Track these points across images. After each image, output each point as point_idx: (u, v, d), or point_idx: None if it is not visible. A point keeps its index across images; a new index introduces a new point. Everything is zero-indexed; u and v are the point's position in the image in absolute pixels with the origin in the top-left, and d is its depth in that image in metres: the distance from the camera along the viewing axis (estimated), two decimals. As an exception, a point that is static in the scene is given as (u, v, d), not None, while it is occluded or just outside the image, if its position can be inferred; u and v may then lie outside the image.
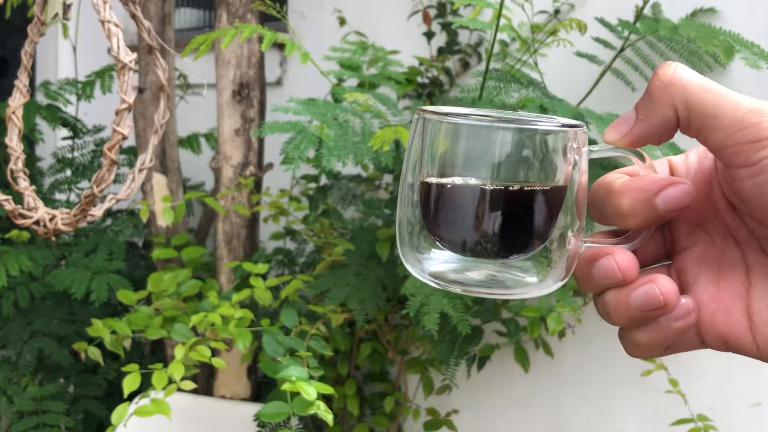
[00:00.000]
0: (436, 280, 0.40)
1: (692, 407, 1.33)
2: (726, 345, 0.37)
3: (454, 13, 1.72)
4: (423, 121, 0.39)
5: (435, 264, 0.40)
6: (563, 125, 0.38)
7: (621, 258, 0.37)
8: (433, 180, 0.39)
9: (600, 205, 0.38)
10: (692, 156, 0.39)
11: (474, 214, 0.37)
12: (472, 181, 0.38)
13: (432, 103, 1.63)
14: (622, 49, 1.38)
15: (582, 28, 1.29)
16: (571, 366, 1.65)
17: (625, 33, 1.36)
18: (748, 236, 0.37)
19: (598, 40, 1.41)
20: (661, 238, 0.40)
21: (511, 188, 0.37)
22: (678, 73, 0.36)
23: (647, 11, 1.42)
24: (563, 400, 1.68)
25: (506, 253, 0.39)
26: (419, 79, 1.69)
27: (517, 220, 0.38)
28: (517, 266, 0.40)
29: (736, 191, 0.36)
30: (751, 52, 1.20)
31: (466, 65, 1.76)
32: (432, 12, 1.75)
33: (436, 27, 1.77)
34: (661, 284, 0.36)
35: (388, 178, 1.74)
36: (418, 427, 1.67)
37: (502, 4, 1.23)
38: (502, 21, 1.28)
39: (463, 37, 1.76)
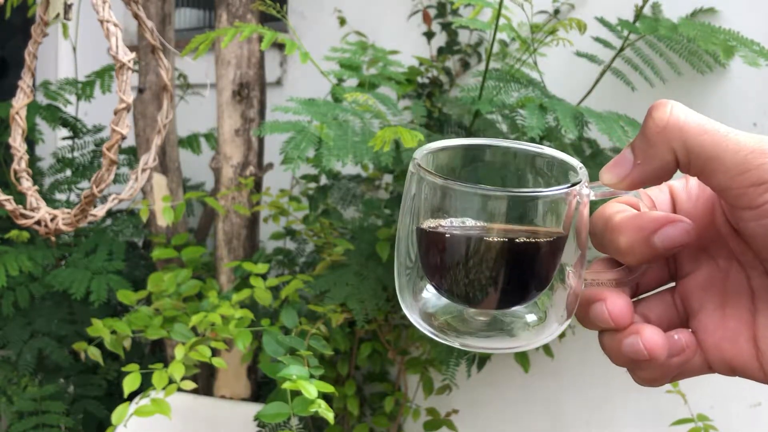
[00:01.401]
0: (437, 333, 0.38)
1: (692, 407, 1.33)
2: (733, 371, 0.37)
3: (454, 13, 1.72)
4: (418, 176, 0.37)
5: (434, 308, 0.39)
6: (568, 186, 0.37)
7: (613, 305, 0.36)
8: (431, 227, 0.37)
9: (599, 236, 0.38)
10: (693, 181, 0.39)
11: (472, 265, 0.36)
12: (470, 222, 0.36)
13: (432, 103, 1.63)
14: (622, 49, 1.38)
15: (582, 27, 1.29)
16: (571, 366, 1.65)
17: (625, 32, 1.36)
18: (753, 260, 0.36)
19: (597, 39, 1.41)
20: (665, 261, 0.39)
21: (511, 241, 0.36)
22: (674, 114, 0.35)
23: (647, 11, 1.42)
24: (563, 400, 1.68)
25: (505, 304, 0.38)
26: (419, 79, 1.69)
27: (517, 272, 0.37)
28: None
29: (740, 228, 0.35)
30: (750, 51, 1.20)
31: (466, 65, 1.76)
32: (432, 12, 1.76)
33: (436, 27, 1.77)
34: (645, 338, 0.35)
35: (388, 178, 1.74)
36: (418, 427, 1.67)
37: (501, 4, 1.24)
38: (502, 21, 1.28)
39: (463, 37, 1.76)
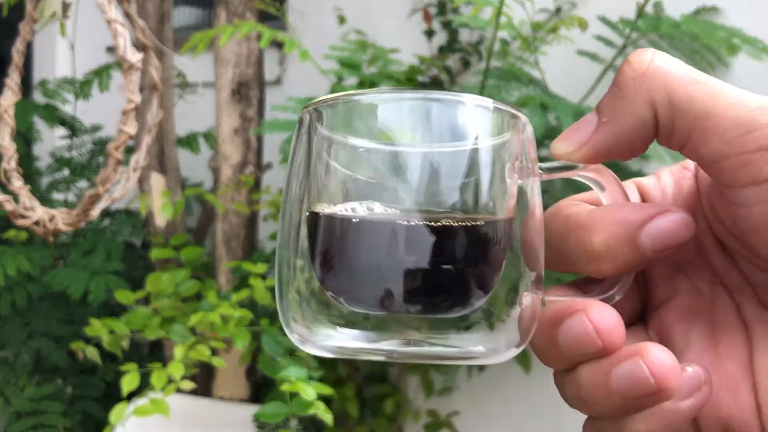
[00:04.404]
0: (340, 350, 0.29)
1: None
2: None
3: (455, 11, 1.72)
4: (308, 131, 0.29)
5: (332, 335, 0.29)
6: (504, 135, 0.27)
7: (599, 316, 0.26)
8: (330, 210, 0.28)
9: (558, 244, 0.28)
10: (666, 178, 0.30)
11: (390, 256, 0.27)
12: (378, 209, 0.27)
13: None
14: (624, 47, 1.37)
15: (583, 25, 1.28)
16: (573, 366, 1.64)
17: (627, 31, 1.36)
18: (742, 283, 0.28)
19: (599, 38, 1.40)
20: (635, 288, 0.30)
21: (437, 223, 0.27)
22: (657, 60, 0.27)
23: (649, 9, 1.41)
24: (564, 401, 1.67)
25: (435, 308, 0.28)
26: (420, 78, 1.68)
27: (447, 262, 0.27)
28: (451, 335, 0.29)
29: (734, 221, 0.26)
30: (754, 48, 1.19)
31: (466, 64, 1.75)
32: (432, 10, 1.75)
33: (436, 25, 1.76)
34: (651, 359, 0.25)
35: (388, 177, 1.73)
36: (418, 429, 1.67)
37: (502, 3, 1.23)
38: (503, 19, 1.27)
39: (464, 35, 1.75)
